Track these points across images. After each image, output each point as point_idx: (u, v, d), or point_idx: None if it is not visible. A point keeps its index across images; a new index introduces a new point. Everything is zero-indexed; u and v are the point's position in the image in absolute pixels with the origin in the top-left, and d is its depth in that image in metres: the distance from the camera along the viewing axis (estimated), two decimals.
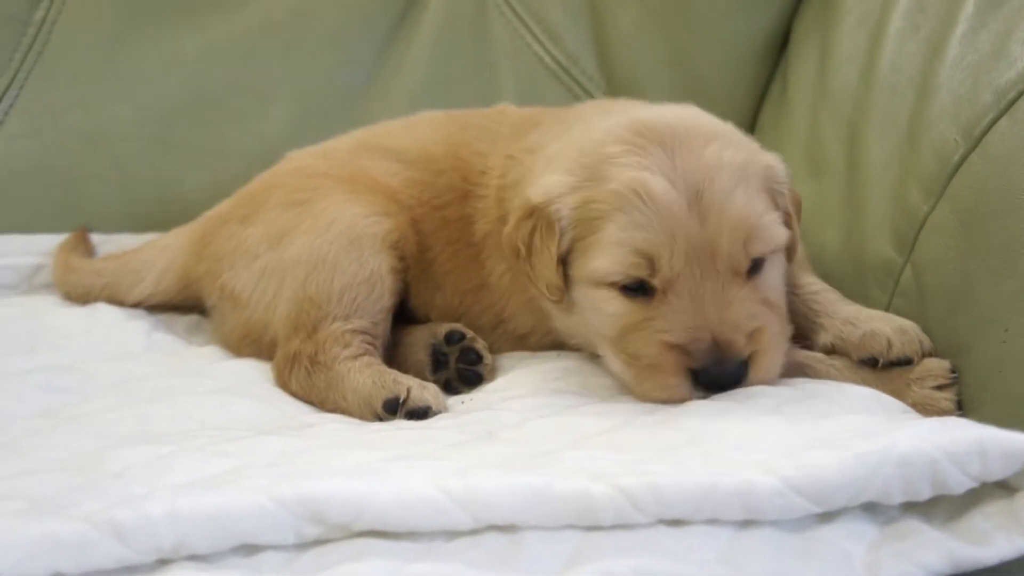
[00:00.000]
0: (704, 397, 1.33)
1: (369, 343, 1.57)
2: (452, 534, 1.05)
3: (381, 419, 1.45)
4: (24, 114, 2.08)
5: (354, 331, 1.56)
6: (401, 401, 1.45)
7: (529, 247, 1.44)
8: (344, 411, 1.49)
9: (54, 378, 1.54)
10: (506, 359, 1.63)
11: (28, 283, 1.97)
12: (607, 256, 1.36)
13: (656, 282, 1.35)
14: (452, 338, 1.60)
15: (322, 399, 1.52)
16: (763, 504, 1.04)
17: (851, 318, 1.46)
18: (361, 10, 2.16)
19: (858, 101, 1.71)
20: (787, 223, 1.43)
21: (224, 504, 1.02)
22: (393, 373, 1.50)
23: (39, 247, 1.99)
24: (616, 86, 2.14)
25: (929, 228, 1.47)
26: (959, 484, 1.06)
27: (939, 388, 1.38)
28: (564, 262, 1.43)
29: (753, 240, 1.36)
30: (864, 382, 1.40)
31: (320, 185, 1.68)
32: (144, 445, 1.25)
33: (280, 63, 2.14)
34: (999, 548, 1.04)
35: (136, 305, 1.84)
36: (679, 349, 1.33)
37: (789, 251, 1.46)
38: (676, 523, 1.05)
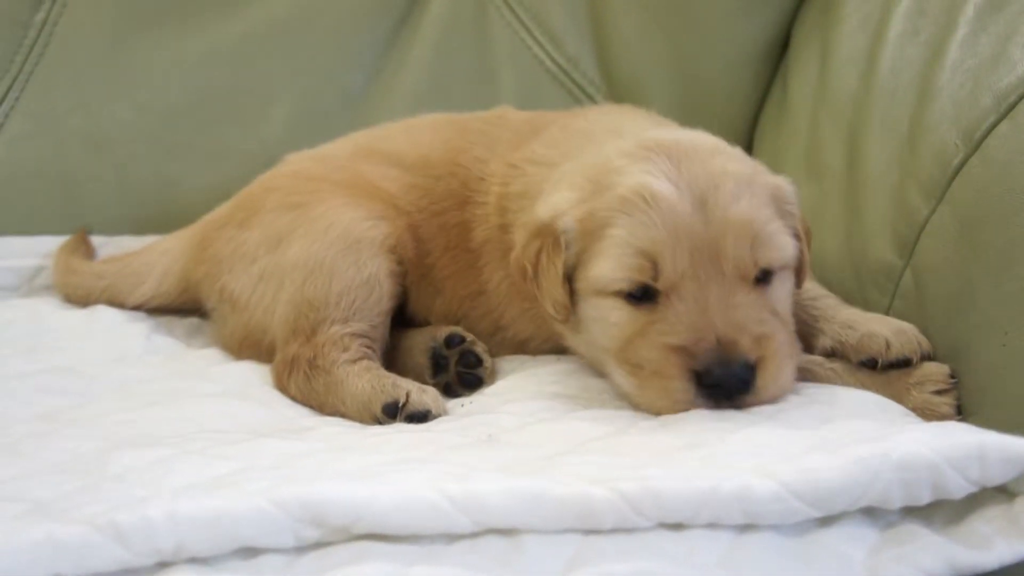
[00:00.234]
0: (710, 407, 1.30)
1: (368, 346, 1.57)
2: (452, 537, 1.05)
3: (381, 423, 1.45)
4: (25, 116, 2.08)
5: (353, 335, 1.56)
6: (400, 405, 1.44)
7: (536, 267, 1.43)
8: (343, 415, 1.49)
9: (54, 380, 1.54)
10: (506, 362, 1.62)
11: (28, 285, 1.98)
12: (610, 259, 1.35)
13: (659, 285, 1.33)
14: (452, 341, 1.60)
15: (321, 403, 1.52)
16: (763, 508, 1.04)
17: (849, 321, 1.46)
18: (362, 12, 2.16)
19: (858, 104, 1.71)
20: (797, 244, 1.41)
21: (224, 507, 1.02)
22: (392, 377, 1.50)
23: (40, 249, 1.99)
24: (617, 89, 2.14)
25: (929, 232, 1.47)
26: (959, 489, 1.06)
27: (939, 393, 1.37)
28: (570, 278, 1.41)
29: (760, 245, 1.34)
30: (863, 386, 1.40)
31: (318, 189, 1.68)
32: (144, 448, 1.25)
33: (281, 65, 2.14)
34: (999, 553, 1.04)
35: (136, 308, 1.84)
36: (682, 351, 1.30)
37: (798, 276, 1.44)
38: (676, 527, 1.05)
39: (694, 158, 1.37)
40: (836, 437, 1.16)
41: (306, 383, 1.53)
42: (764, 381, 1.31)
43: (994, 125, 1.41)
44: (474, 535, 1.05)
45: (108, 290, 1.85)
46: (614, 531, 1.04)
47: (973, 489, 1.07)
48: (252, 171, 1.86)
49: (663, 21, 2.12)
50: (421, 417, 1.44)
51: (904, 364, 1.41)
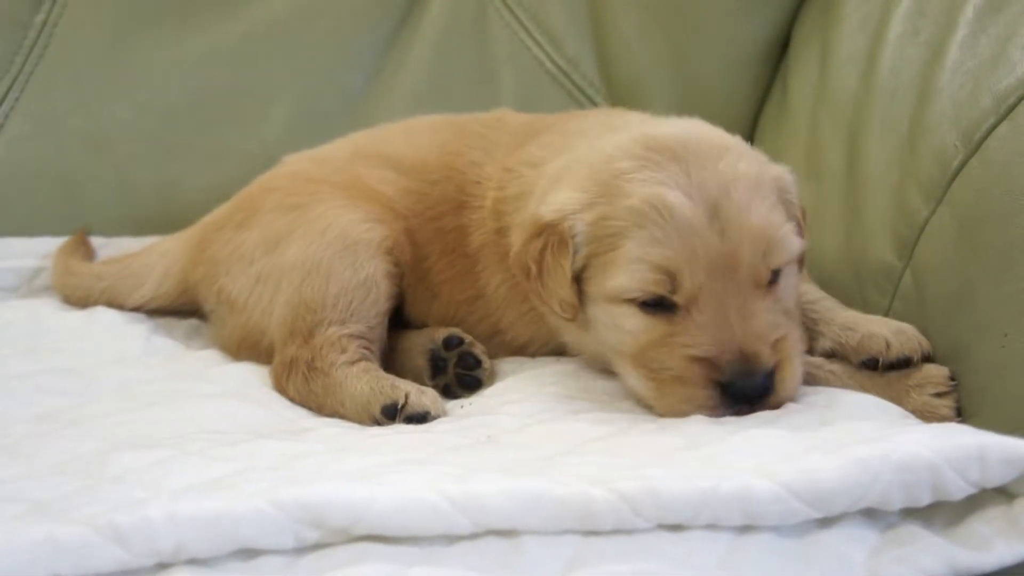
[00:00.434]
0: (732, 413, 1.31)
1: (366, 348, 1.56)
2: (451, 538, 1.05)
3: (380, 424, 1.45)
4: (25, 117, 2.08)
5: (351, 336, 1.56)
6: (400, 406, 1.44)
7: (540, 265, 1.42)
8: (342, 417, 1.49)
9: (54, 381, 1.54)
10: (506, 364, 1.62)
11: (28, 286, 1.97)
12: (627, 273, 1.34)
13: (677, 299, 1.33)
14: (451, 343, 1.60)
15: (320, 405, 1.52)
16: (763, 509, 1.04)
17: (849, 323, 1.46)
18: (362, 12, 2.16)
19: (858, 105, 1.71)
20: (799, 232, 1.42)
21: (224, 508, 1.02)
22: (391, 378, 1.50)
23: (39, 250, 1.99)
24: (617, 90, 2.14)
25: (929, 233, 1.47)
26: (959, 490, 1.06)
27: (938, 395, 1.37)
28: (578, 279, 1.41)
29: (773, 252, 1.35)
30: (863, 388, 1.40)
31: (317, 190, 1.68)
32: (144, 449, 1.25)
33: (280, 65, 2.14)
34: (999, 554, 1.04)
35: (136, 309, 1.84)
36: (706, 363, 1.31)
37: (800, 259, 1.44)
38: (676, 528, 1.05)
39: (702, 161, 1.37)
40: (836, 438, 1.16)
41: (305, 385, 1.53)
42: (783, 383, 1.33)
43: (994, 126, 1.41)
44: (474, 536, 1.04)
45: (107, 291, 1.85)
46: (614, 532, 1.04)
47: (973, 490, 1.07)
48: (252, 171, 1.86)
49: (663, 21, 2.12)
50: (420, 418, 1.43)
51: (905, 364, 1.41)
